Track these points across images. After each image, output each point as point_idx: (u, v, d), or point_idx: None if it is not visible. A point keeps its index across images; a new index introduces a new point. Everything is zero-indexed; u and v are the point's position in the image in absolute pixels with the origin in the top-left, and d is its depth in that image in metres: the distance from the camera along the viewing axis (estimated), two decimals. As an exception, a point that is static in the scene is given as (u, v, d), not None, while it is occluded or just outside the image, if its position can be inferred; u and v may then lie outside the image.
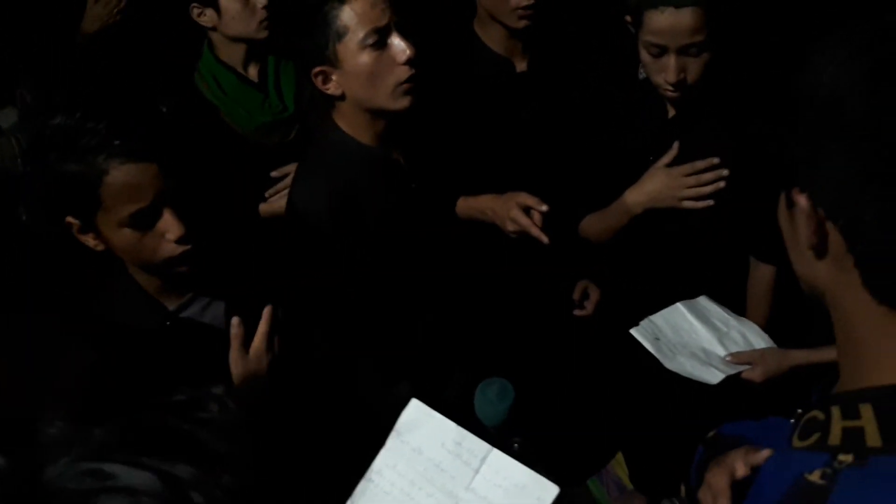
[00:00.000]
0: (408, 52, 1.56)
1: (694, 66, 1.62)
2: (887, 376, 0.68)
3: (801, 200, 0.69)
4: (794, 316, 1.72)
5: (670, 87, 1.64)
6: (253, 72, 2.03)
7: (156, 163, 1.24)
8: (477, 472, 1.12)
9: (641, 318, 1.75)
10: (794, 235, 0.72)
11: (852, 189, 0.65)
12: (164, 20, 2.06)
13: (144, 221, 1.27)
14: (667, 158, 1.75)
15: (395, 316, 1.65)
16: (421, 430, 1.15)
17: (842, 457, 0.66)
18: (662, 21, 1.57)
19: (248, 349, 1.38)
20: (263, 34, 1.95)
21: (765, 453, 0.96)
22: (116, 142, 1.21)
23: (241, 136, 2.01)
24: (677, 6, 1.55)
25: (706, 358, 1.64)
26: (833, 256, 0.69)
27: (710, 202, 1.71)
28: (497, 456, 1.12)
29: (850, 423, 0.67)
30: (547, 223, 1.71)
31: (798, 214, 0.70)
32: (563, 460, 2.02)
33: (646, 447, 2.27)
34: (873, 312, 0.68)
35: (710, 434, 1.11)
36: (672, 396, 1.84)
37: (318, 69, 1.59)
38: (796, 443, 0.71)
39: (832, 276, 0.70)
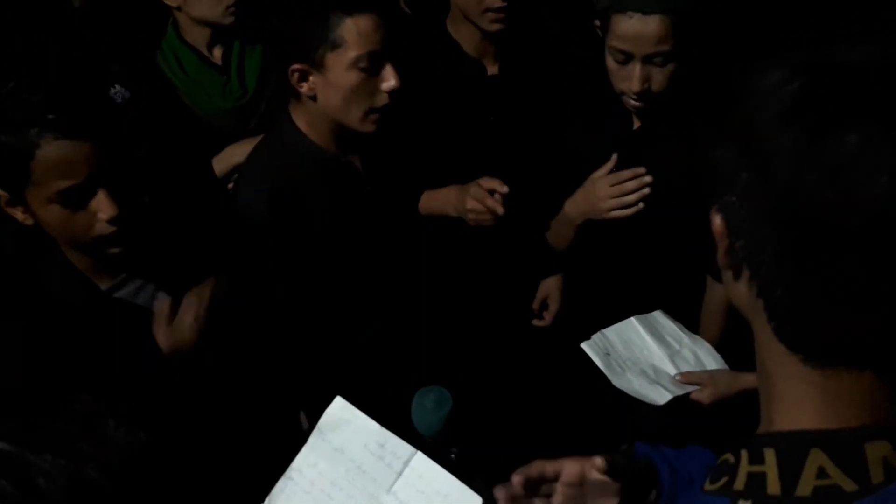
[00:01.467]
0: (393, 83, 1.57)
1: (659, 76, 1.60)
2: (791, 420, 0.65)
3: (716, 220, 0.67)
4: (747, 338, 1.69)
5: (633, 96, 1.62)
6: (217, 54, 2.00)
7: (91, 141, 1.20)
8: (399, 475, 1.10)
9: (596, 331, 1.71)
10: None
11: (753, 221, 0.62)
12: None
13: (76, 199, 1.23)
14: (603, 171, 1.74)
15: (339, 319, 1.61)
16: (344, 429, 1.12)
17: (741, 502, 0.64)
18: (629, 27, 1.55)
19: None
20: (229, 20, 1.91)
21: (598, 462, 0.96)
22: (51, 116, 1.17)
23: (199, 117, 1.97)
24: (645, 13, 1.53)
25: (655, 376, 1.61)
26: (746, 281, 0.66)
27: (640, 206, 1.69)
28: (421, 460, 1.09)
29: (755, 469, 0.65)
30: (508, 226, 1.68)
31: (714, 233, 0.68)
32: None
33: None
34: (778, 350, 0.65)
35: (623, 447, 1.09)
36: (624, 409, 1.81)
37: (298, 66, 1.57)
38: (707, 486, 0.69)
39: (747, 300, 0.67)
